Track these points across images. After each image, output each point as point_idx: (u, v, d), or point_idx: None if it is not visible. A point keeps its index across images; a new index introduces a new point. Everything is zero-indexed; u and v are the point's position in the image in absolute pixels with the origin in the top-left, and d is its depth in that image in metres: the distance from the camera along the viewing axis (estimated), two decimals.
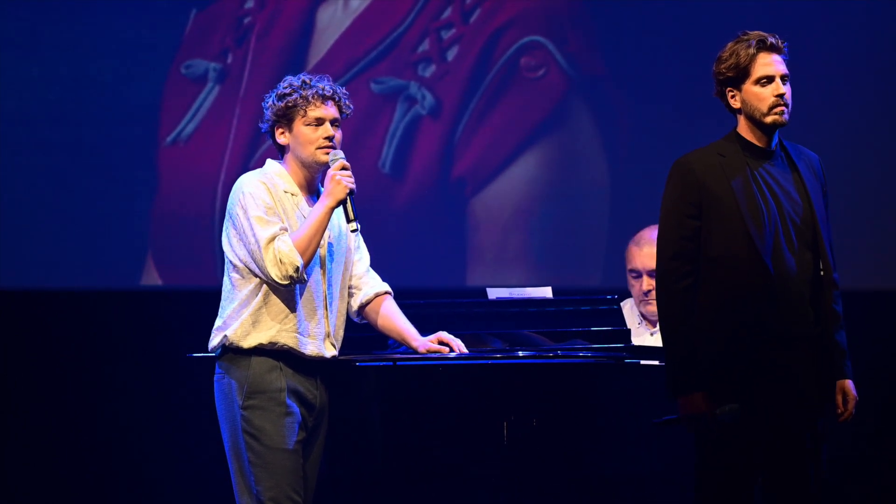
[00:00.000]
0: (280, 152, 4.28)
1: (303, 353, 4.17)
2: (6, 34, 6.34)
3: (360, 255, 4.39)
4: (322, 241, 4.20)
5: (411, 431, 4.32)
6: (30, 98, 6.34)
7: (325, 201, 4.13)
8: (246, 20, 6.45)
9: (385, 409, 4.35)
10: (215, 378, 4.23)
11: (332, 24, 6.45)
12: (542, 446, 4.23)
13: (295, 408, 4.16)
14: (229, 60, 6.42)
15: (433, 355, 4.26)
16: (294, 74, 4.30)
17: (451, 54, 6.42)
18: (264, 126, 4.28)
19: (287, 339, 4.15)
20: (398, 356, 4.31)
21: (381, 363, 4.33)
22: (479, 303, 4.79)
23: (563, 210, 6.41)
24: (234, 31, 6.44)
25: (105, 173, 6.34)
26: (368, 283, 4.37)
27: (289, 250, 4.08)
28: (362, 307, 4.36)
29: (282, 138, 4.24)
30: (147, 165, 6.37)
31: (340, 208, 4.18)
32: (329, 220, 4.14)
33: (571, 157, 6.42)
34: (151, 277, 6.34)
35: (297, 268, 4.08)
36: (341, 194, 4.13)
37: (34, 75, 6.34)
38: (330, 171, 4.16)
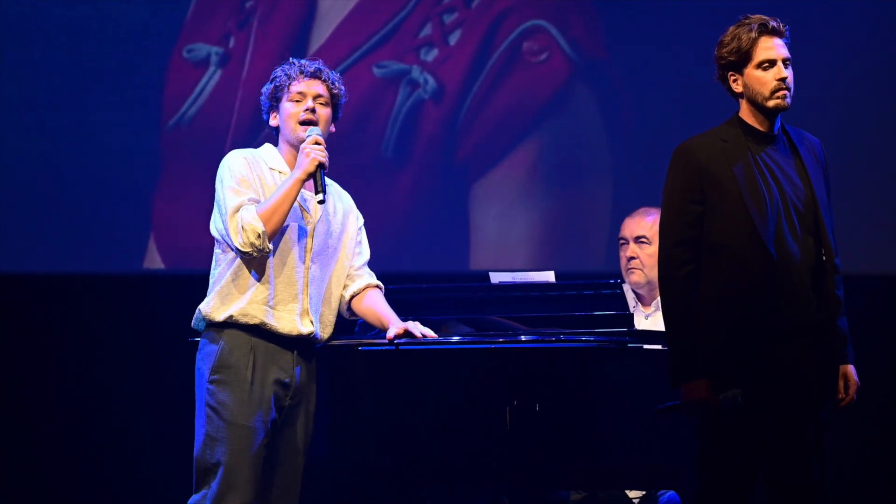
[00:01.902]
0: (276, 136, 4.32)
1: (274, 328, 4.18)
2: (9, 18, 6.34)
3: (361, 249, 4.43)
4: (310, 219, 4.25)
5: (414, 417, 4.32)
6: (32, 82, 6.34)
7: (295, 174, 4.18)
8: (248, 4, 6.45)
9: (385, 394, 4.35)
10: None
11: (334, 7, 6.44)
12: (545, 431, 4.22)
13: (265, 385, 4.17)
14: (231, 44, 6.42)
15: (437, 339, 4.26)
16: (296, 59, 4.35)
17: (454, 38, 6.41)
18: (264, 116, 4.35)
19: (257, 311, 4.17)
20: (401, 340, 4.30)
21: (383, 347, 4.33)
22: (482, 287, 4.79)
23: (566, 194, 6.40)
24: (236, 15, 6.43)
25: (107, 157, 6.34)
26: (362, 277, 4.40)
27: (251, 218, 4.11)
28: (351, 298, 4.38)
29: (273, 121, 4.33)
30: (149, 149, 6.37)
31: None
32: (297, 191, 4.17)
33: (574, 142, 6.41)
34: (154, 261, 6.35)
35: (259, 234, 4.10)
36: (311, 167, 4.17)
37: (36, 59, 6.34)
38: (302, 145, 4.19)
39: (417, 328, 4.23)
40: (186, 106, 6.40)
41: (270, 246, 4.14)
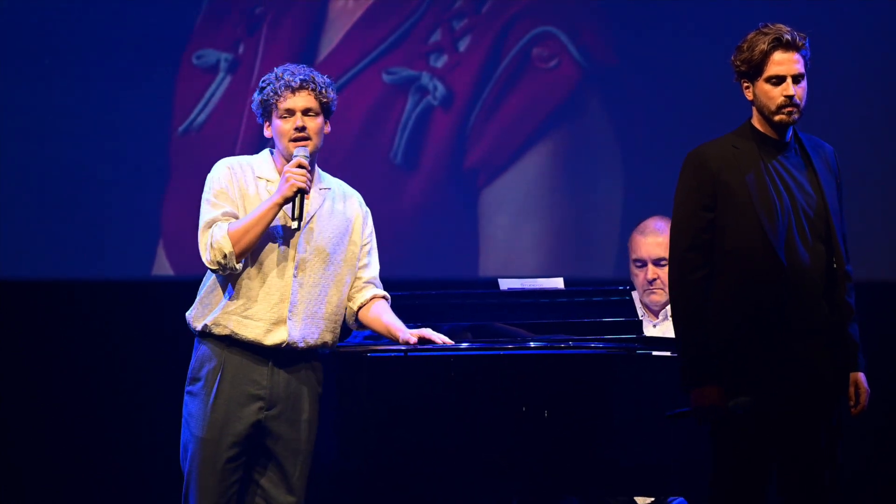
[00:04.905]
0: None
1: (244, 338, 4.17)
2: (17, 24, 6.34)
3: (370, 261, 4.40)
4: (295, 227, 4.20)
5: (423, 423, 4.30)
6: (41, 88, 6.34)
7: (273, 197, 4.16)
8: (257, 10, 6.45)
9: (394, 400, 4.34)
10: None
11: (343, 13, 6.44)
12: (554, 437, 4.21)
13: (231, 399, 4.17)
14: (241, 51, 6.42)
15: (447, 345, 4.25)
16: (306, 64, 4.33)
17: (463, 45, 6.41)
18: (259, 120, 4.33)
19: (227, 321, 4.17)
20: (410, 347, 4.29)
21: (392, 353, 4.32)
22: (491, 294, 4.78)
23: (576, 201, 6.39)
24: (245, 21, 6.43)
25: (117, 163, 6.34)
26: (369, 288, 4.38)
27: (221, 237, 4.12)
28: (359, 309, 4.36)
29: (267, 132, 4.31)
30: (159, 155, 6.37)
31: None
32: (274, 215, 4.14)
33: (583, 148, 6.40)
34: (163, 267, 6.34)
35: (225, 255, 4.10)
36: (289, 192, 4.15)
37: (45, 65, 6.34)
38: (285, 168, 4.18)
39: (436, 335, 4.22)
40: (196, 112, 6.40)
41: (239, 266, 4.14)
